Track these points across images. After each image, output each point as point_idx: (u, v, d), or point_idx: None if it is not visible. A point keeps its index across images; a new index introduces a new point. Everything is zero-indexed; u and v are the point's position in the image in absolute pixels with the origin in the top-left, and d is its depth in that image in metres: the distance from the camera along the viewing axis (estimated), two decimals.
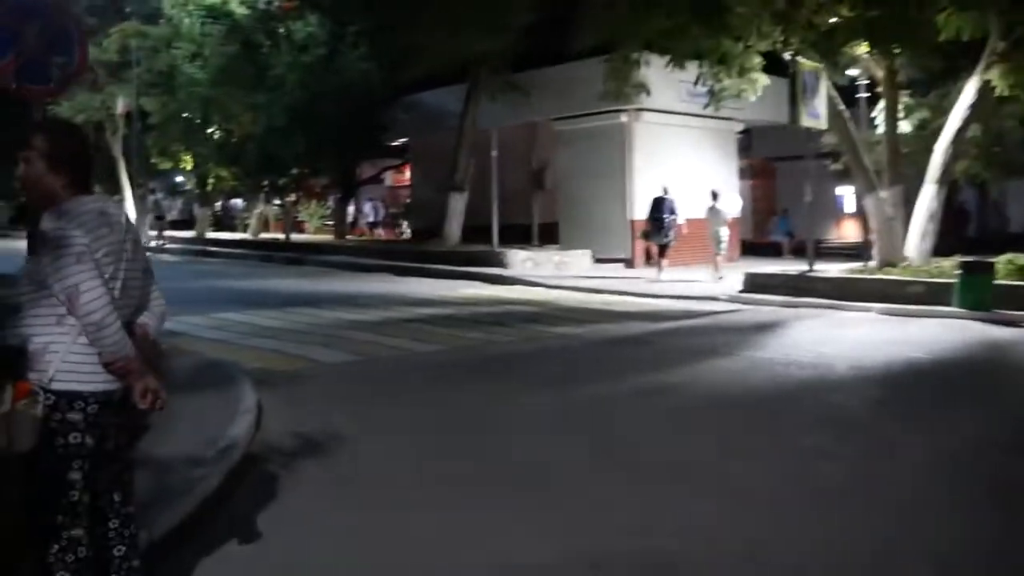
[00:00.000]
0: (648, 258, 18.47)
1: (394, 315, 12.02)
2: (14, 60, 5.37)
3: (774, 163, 30.22)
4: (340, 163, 25.59)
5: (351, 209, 43.11)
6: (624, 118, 20.07)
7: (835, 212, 32.35)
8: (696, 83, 16.03)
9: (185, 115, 26.81)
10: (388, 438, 5.82)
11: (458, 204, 21.08)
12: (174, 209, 41.48)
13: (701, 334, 10.81)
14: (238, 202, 40.42)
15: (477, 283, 16.72)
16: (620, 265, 19.92)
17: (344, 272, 19.40)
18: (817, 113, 14.58)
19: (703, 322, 11.92)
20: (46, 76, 5.55)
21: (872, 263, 15.03)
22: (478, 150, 20.79)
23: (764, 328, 11.24)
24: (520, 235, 21.64)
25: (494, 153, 18.90)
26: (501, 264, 18.08)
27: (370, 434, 5.88)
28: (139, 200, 29.34)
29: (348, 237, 30.85)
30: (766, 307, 13.23)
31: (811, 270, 14.24)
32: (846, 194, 33.67)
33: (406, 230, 31.35)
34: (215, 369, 7.42)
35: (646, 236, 17.32)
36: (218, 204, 41.48)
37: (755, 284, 14.32)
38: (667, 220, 16.62)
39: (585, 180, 20.81)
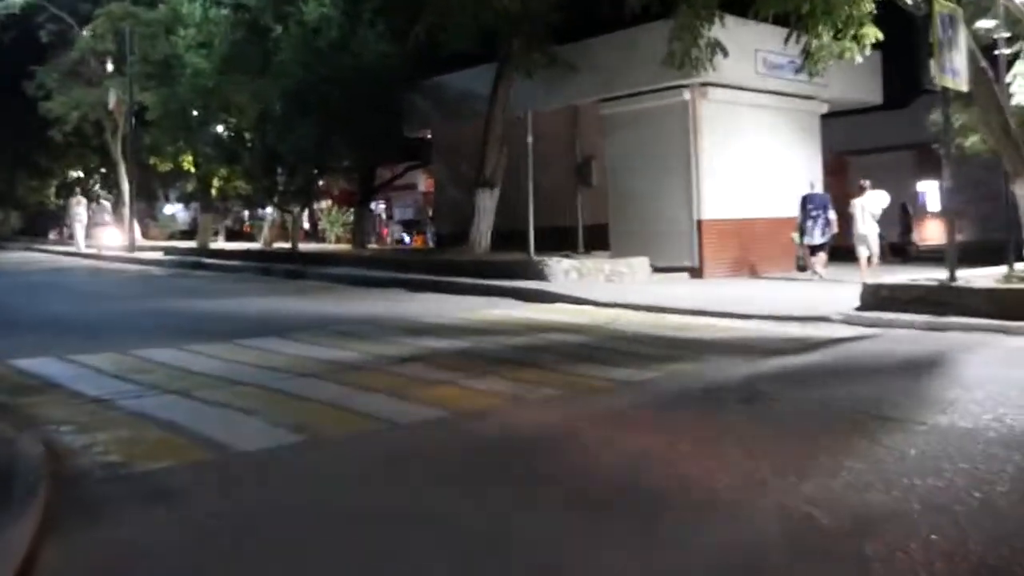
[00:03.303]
0: (800, 265, 17.36)
1: (386, 351, 8.58)
2: None
3: (846, 156, 26.58)
4: (354, 160, 22.29)
5: (381, 216, 40.17)
6: (687, 95, 16.50)
7: (917, 210, 28.89)
8: (787, 41, 12.44)
9: (188, 109, 23.82)
10: None
11: (487, 203, 17.59)
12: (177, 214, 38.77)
13: (833, 380, 7.23)
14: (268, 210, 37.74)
15: (509, 301, 13.25)
16: (684, 275, 16.35)
17: (349, 287, 16.04)
18: (957, 70, 10.89)
19: (826, 358, 8.34)
20: None
21: (1020, 267, 11.42)
22: (510, 140, 17.36)
23: (920, 367, 7.71)
24: (562, 240, 18.14)
25: (530, 139, 15.46)
26: (539, 276, 14.57)
27: None
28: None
29: (372, 246, 27.71)
30: (900, 331, 9.65)
31: (953, 279, 10.57)
32: (929, 190, 30.11)
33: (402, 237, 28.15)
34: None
35: (800, 235, 16.13)
36: (244, 211, 38.66)
37: (878, 299, 10.68)
38: (819, 217, 15.66)
39: (640, 173, 17.26)
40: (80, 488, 4.21)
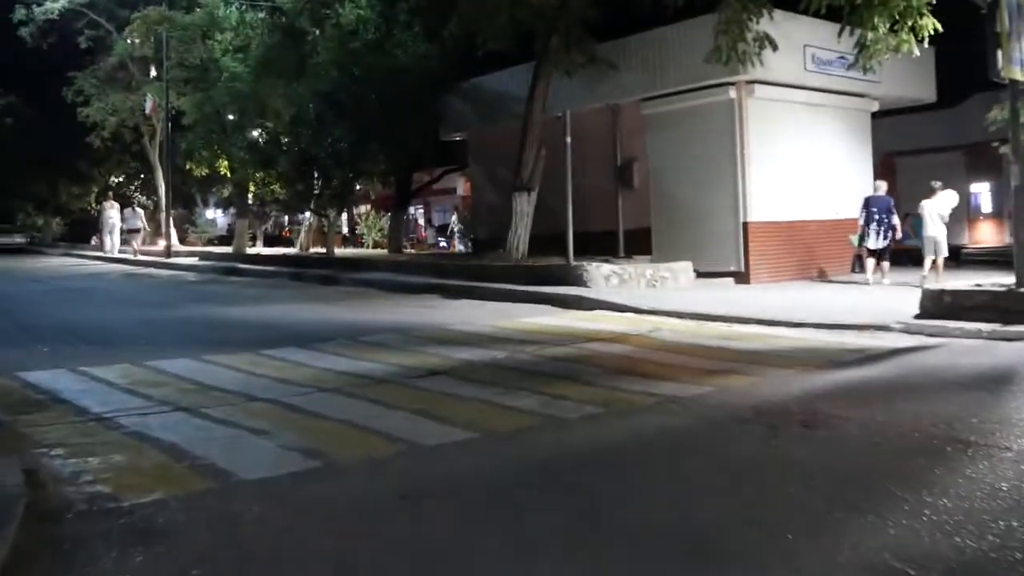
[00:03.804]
0: (855, 266, 16.97)
1: (415, 363, 8.07)
2: None
3: (894, 157, 25.69)
4: (389, 163, 21.86)
5: (420, 221, 39.83)
6: (733, 93, 15.81)
7: (970, 212, 27.91)
8: (840, 35, 11.76)
9: (223, 113, 23.59)
10: None
11: (524, 207, 17.02)
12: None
13: (898, 397, 6.57)
14: (305, 215, 37.57)
15: (547, 308, 12.70)
16: (729, 280, 15.68)
17: (383, 293, 15.60)
18: (1021, 61, 10.14)
19: (887, 370, 7.69)
20: None
21: None
22: (549, 142, 16.81)
23: (991, 381, 7.12)
24: (603, 245, 17.54)
25: (568, 140, 14.89)
26: (578, 282, 13.98)
27: None
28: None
29: (409, 251, 27.32)
30: (965, 340, 8.96)
31: (1021, 285, 9.82)
32: (982, 191, 29.05)
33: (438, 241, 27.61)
34: None
35: (860, 240, 15.58)
36: (283, 216, 38.59)
37: (941, 306, 9.97)
38: (881, 221, 15.11)
39: (684, 174, 16.62)
40: (58, 525, 3.75)
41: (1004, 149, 16.78)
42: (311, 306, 13.74)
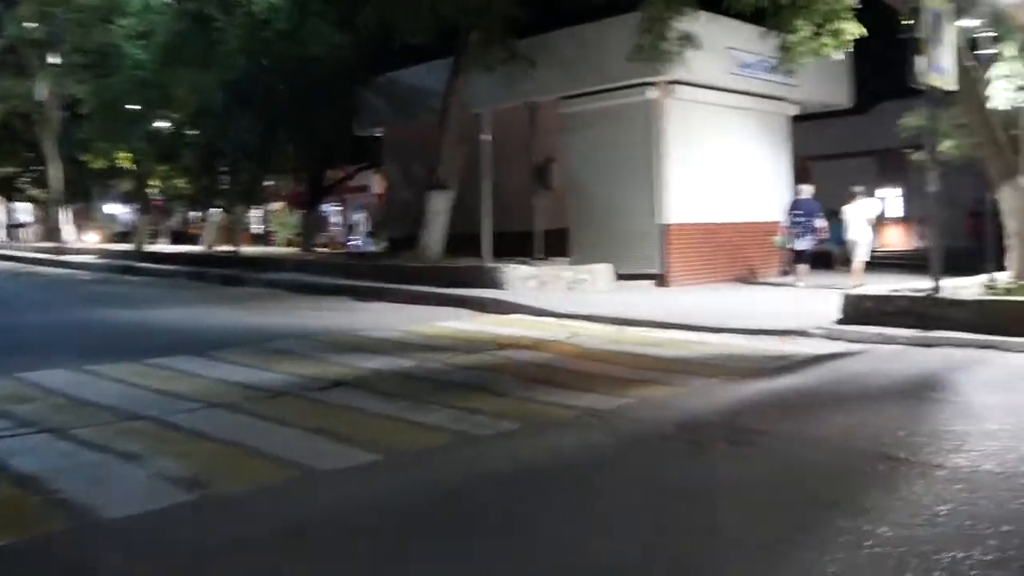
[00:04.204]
0: (784, 268, 16.84)
1: (318, 372, 7.52)
2: None
3: (809, 162, 26.02)
4: (300, 158, 21.06)
5: (335, 219, 38.83)
6: (653, 93, 15.58)
7: (880, 217, 28.52)
8: (764, 36, 11.61)
9: (124, 103, 22.36)
10: None
11: (440, 206, 16.49)
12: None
13: (824, 409, 6.30)
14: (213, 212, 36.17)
15: (461, 311, 12.24)
16: (650, 283, 15.45)
17: (290, 295, 14.92)
18: (942, 68, 10.08)
19: (811, 379, 7.43)
20: None
21: (1003, 276, 10.66)
22: (467, 140, 16.34)
23: (916, 391, 6.86)
24: (522, 246, 17.12)
25: (487, 137, 14.46)
26: (494, 284, 13.55)
27: None
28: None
29: (322, 250, 26.51)
30: (886, 346, 8.81)
31: (938, 290, 9.75)
32: (892, 196, 29.66)
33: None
34: None
35: (785, 243, 15.78)
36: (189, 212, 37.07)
37: (861, 311, 9.81)
38: (807, 223, 15.22)
39: (603, 174, 16.33)
40: None
41: (916, 155, 17.02)
42: (211, 309, 12.99)
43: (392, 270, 15.61)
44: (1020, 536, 3.66)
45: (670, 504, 4.20)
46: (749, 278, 16.70)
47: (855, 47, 12.14)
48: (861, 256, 15.14)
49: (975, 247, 14.44)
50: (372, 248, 28.20)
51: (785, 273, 16.69)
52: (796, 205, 15.64)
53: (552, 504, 4.22)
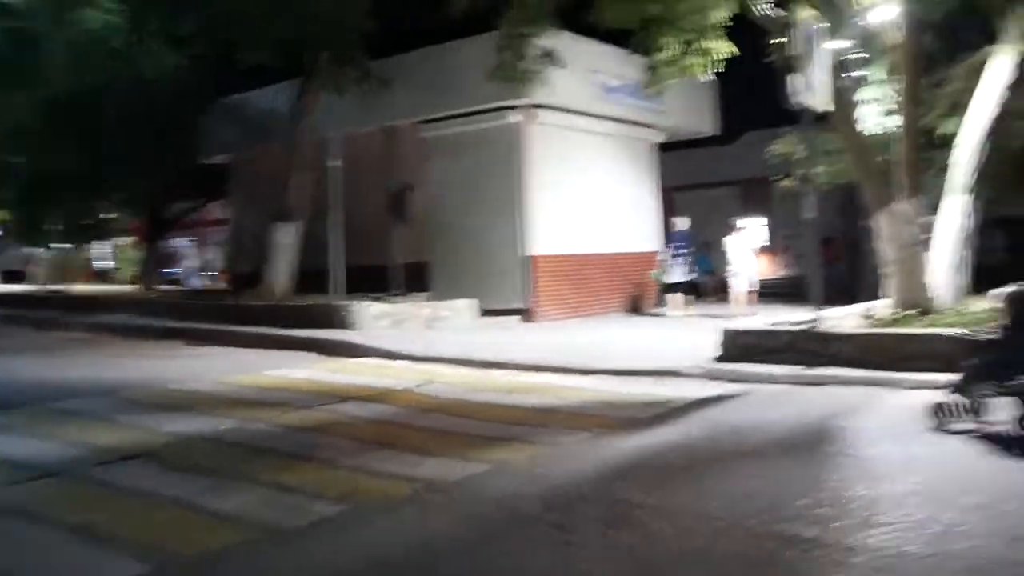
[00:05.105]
0: (660, 301, 16.53)
1: (111, 441, 6.12)
2: None
3: (672, 192, 25.88)
4: (135, 188, 19.21)
5: (188, 256, 36.46)
6: (515, 117, 14.72)
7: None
8: (631, 51, 10.85)
9: None
10: None
11: (287, 238, 15.07)
12: None
13: (708, 471, 5.31)
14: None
15: (306, 355, 10.94)
16: (515, 319, 14.48)
17: (115, 339, 13.25)
18: (816, 87, 9.51)
19: (691, 431, 6.46)
20: None
21: (879, 304, 10.17)
22: (318, 167, 15.02)
23: (808, 443, 6.01)
24: (379, 281, 15.83)
25: (337, 163, 13.23)
26: (345, 324, 12.27)
27: None
28: None
29: (168, 288, 24.53)
30: (771, 387, 8.03)
31: (818, 322, 9.06)
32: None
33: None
34: None
35: (662, 275, 15.76)
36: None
37: (740, 347, 9.05)
38: (684, 255, 15.27)
39: (465, 204, 15.32)
40: None
41: (785, 182, 16.76)
42: (9, 359, 11.19)
43: (234, 310, 14.12)
44: None
45: None
46: (622, 311, 16.10)
47: (722, 77, 11.62)
48: (743, 287, 14.93)
49: (831, 273, 14.19)
50: (215, 285, 26.39)
51: (660, 306, 16.37)
52: (672, 237, 15.51)
53: None
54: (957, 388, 5.93)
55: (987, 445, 5.48)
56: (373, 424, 6.79)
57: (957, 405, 5.88)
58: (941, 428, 5.89)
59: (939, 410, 5.95)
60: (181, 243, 34.50)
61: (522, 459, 5.55)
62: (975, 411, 5.81)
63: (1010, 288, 6.56)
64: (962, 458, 5.32)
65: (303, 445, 6.03)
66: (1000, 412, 5.70)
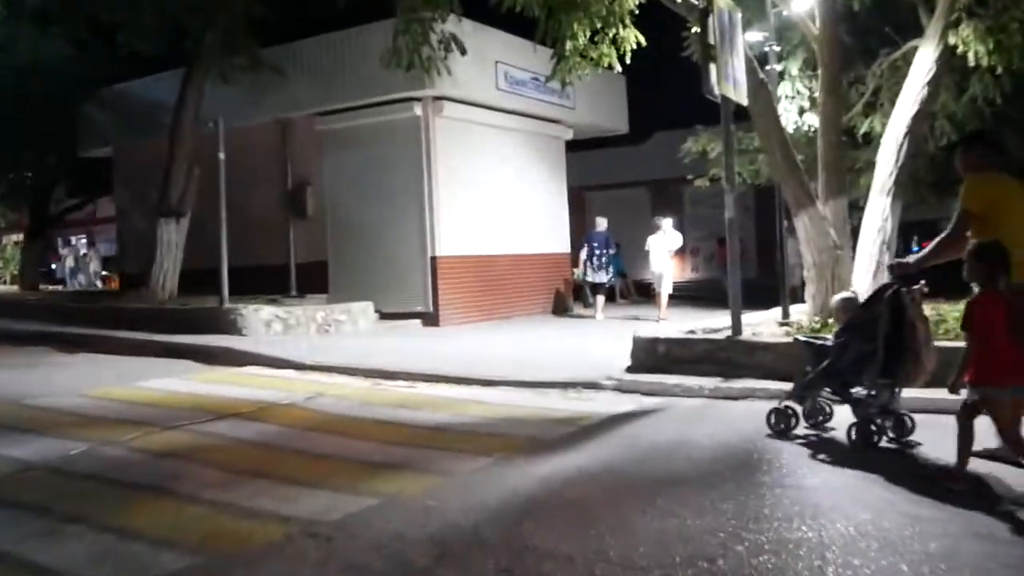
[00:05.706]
0: (585, 302, 16.57)
1: None
2: None
3: (583, 192, 25.54)
4: (12, 182, 17.77)
5: (80, 255, 34.51)
6: (419, 110, 13.99)
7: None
8: (536, 40, 10.19)
9: None
10: None
11: (173, 236, 14.01)
12: None
13: (638, 503, 4.63)
14: None
15: (187, 363, 10.02)
16: (417, 323, 13.73)
17: None
18: (734, 78, 9.05)
19: (602, 454, 5.79)
20: None
21: (802, 308, 9.80)
22: (206, 160, 13.97)
23: (735, 468, 5.32)
24: (273, 281, 14.89)
25: (222, 155, 12.27)
26: (232, 329, 11.35)
27: None
28: None
29: (51, 288, 22.98)
30: (690, 400, 7.50)
31: (739, 331, 8.58)
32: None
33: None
34: None
35: (581, 277, 15.76)
36: None
37: (655, 357, 8.51)
38: (602, 256, 15.07)
39: (366, 201, 14.51)
40: None
41: (699, 182, 16.44)
42: None
43: (114, 313, 13.01)
44: None
45: None
46: (536, 314, 15.64)
47: (632, 75, 11.15)
48: (668, 288, 14.69)
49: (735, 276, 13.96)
50: (106, 286, 24.89)
51: (584, 307, 16.27)
52: (591, 238, 15.26)
53: None
54: (792, 395, 5.98)
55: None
56: (249, 447, 5.99)
57: (794, 411, 5.94)
58: (776, 435, 5.89)
59: (776, 416, 5.96)
60: (70, 241, 32.68)
61: (414, 492, 4.82)
62: (810, 417, 5.99)
63: (841, 295, 6.66)
64: None
65: (160, 475, 5.20)
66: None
